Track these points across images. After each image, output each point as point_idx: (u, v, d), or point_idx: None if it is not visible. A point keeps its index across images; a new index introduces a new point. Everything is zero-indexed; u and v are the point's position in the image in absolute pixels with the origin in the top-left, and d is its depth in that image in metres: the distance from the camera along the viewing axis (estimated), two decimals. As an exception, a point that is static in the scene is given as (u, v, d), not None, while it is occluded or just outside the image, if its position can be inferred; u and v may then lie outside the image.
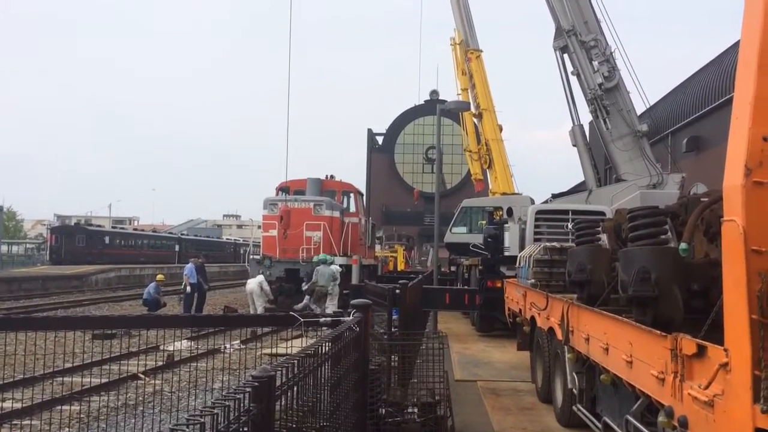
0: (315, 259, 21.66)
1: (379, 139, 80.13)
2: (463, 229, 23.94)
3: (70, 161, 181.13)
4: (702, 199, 6.04)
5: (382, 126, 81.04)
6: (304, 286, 20.97)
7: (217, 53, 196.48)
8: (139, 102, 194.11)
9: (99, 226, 65.05)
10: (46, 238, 66.38)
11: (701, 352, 3.93)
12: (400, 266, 44.02)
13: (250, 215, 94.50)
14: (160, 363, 12.24)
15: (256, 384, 2.14)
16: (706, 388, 3.78)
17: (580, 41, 19.84)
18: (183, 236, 73.16)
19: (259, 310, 20.10)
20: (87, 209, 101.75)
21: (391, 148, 78.00)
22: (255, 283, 20.88)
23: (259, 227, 25.85)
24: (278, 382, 2.47)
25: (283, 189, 25.69)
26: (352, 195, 27.61)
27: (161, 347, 12.70)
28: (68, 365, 11.11)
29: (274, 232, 23.69)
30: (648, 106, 21.34)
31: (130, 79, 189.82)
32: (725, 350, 3.63)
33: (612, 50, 19.82)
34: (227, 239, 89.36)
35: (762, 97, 3.67)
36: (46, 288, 35.53)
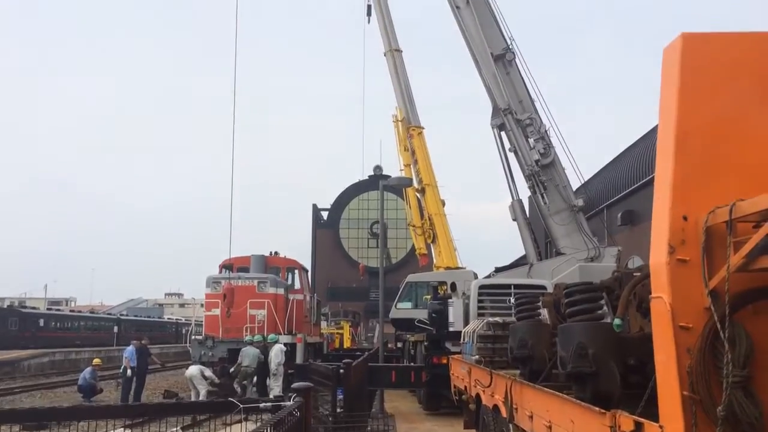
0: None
1: (324, 215, 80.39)
2: (409, 305, 23.90)
3: (3, 238, 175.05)
4: (635, 274, 6.21)
5: (326, 201, 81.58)
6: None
7: (159, 125, 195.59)
8: (78, 174, 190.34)
9: (33, 308, 62.56)
10: (-24, 321, 63.38)
11: (638, 429, 3.96)
12: (347, 343, 43.47)
13: (192, 293, 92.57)
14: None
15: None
16: (645, 465, 3.81)
17: (516, 119, 20.60)
18: (122, 317, 70.93)
19: (202, 394, 19.46)
20: (22, 290, 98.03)
21: (336, 223, 78.26)
22: (196, 369, 20.27)
23: (202, 306, 25.29)
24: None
25: (227, 266, 25.33)
26: (296, 271, 27.38)
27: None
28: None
29: (217, 311, 23.18)
30: (583, 182, 22.12)
31: (68, 150, 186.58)
32: (660, 427, 3.69)
33: (546, 128, 20.61)
34: (169, 319, 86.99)
35: (680, 178, 3.86)
36: (-26, 375, 33.69)
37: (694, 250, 3.72)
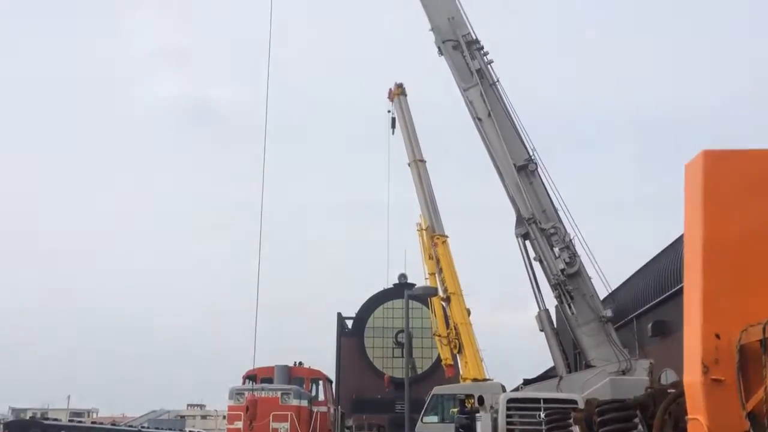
0: None
1: (349, 323, 79.68)
2: (435, 418, 23.20)
3: (28, 350, 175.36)
4: (669, 390, 6.02)
5: (351, 310, 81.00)
6: None
7: (184, 238, 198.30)
8: (100, 289, 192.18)
9: (56, 419, 61.59)
10: (-3, 433, 62.59)
11: None
12: (371, 458, 42.03)
13: (215, 405, 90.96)
14: None
15: None
16: None
17: (540, 229, 20.62)
18: (143, 429, 69.56)
19: None
20: (44, 401, 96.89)
21: (361, 332, 77.35)
22: None
23: (224, 418, 24.81)
24: None
25: (250, 377, 25.04)
26: (321, 382, 26.93)
27: None
28: None
29: (239, 424, 22.69)
30: (610, 291, 21.80)
31: (92, 264, 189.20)
32: None
33: (571, 237, 20.56)
34: (190, 431, 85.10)
35: (710, 294, 3.81)
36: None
37: (729, 369, 3.62)
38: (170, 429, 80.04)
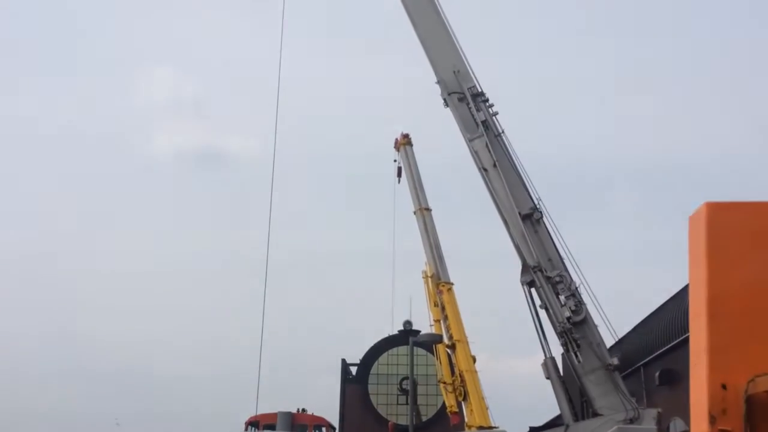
0: None
1: (353, 369, 78.96)
2: (440, 468, 22.89)
3: (25, 392, 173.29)
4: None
5: (355, 356, 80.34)
6: None
7: (185, 284, 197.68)
8: (99, 332, 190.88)
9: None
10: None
11: None
12: None
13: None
14: None
15: None
16: None
17: (546, 277, 20.65)
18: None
19: None
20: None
21: (365, 379, 76.56)
22: None
23: (225, 466, 24.55)
24: None
25: (253, 423, 24.90)
26: (323, 429, 26.74)
27: None
28: None
29: (241, 471, 22.49)
30: (617, 339, 21.69)
31: (88, 307, 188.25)
32: None
33: (577, 285, 20.57)
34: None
35: (715, 345, 3.87)
36: None
37: (736, 419, 3.65)
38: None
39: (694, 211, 4.39)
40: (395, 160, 34.73)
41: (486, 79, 23.99)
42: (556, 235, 21.58)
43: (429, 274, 33.15)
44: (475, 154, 22.72)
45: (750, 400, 3.66)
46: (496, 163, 22.21)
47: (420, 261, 34.57)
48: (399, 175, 34.55)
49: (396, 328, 71.27)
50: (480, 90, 23.33)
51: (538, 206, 21.73)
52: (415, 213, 32.64)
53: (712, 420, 3.67)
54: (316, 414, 27.40)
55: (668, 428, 16.07)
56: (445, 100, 23.56)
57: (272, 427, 24.76)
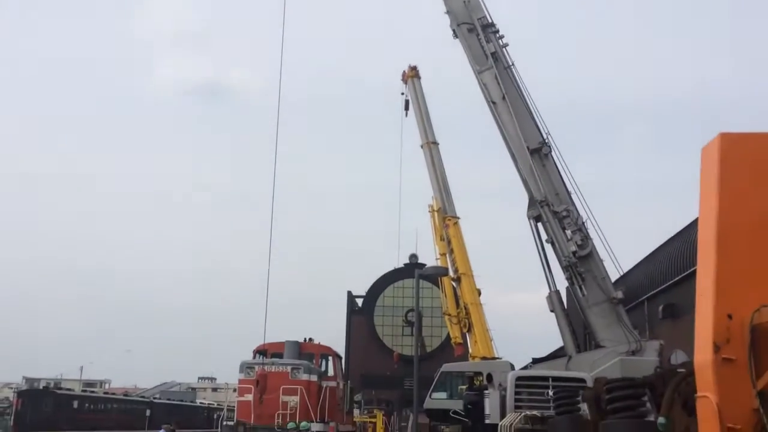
0: (290, 425, 20.97)
1: (359, 302, 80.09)
2: (443, 395, 23.42)
3: (42, 322, 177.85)
4: (678, 371, 6.09)
5: (361, 289, 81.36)
6: None
7: (195, 216, 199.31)
8: (113, 266, 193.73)
9: (68, 389, 62.71)
10: (11, 402, 63.64)
11: None
12: (379, 433, 42.45)
13: (225, 378, 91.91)
14: None
15: None
16: None
17: (553, 211, 20.63)
18: (155, 400, 70.52)
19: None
20: (58, 371, 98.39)
21: (371, 311, 77.75)
22: None
23: (235, 391, 25.14)
24: None
25: (261, 352, 25.30)
26: (330, 358, 27.19)
27: None
28: None
29: (249, 397, 23.01)
30: (622, 274, 21.83)
31: (104, 243, 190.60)
32: None
33: (584, 220, 20.57)
34: (201, 403, 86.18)
35: (722, 276, 3.87)
36: (6, 457, 33.61)
37: (740, 349, 3.69)
38: (182, 400, 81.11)
39: (708, 142, 4.33)
40: (403, 93, 34.28)
41: (497, 11, 23.47)
42: (564, 169, 21.49)
43: (435, 209, 33.21)
44: (484, 87, 22.39)
45: (755, 330, 3.68)
46: (505, 96, 21.91)
47: (426, 195, 34.64)
48: (406, 108, 34.16)
49: (402, 261, 71.90)
50: (490, 21, 22.81)
51: (546, 140, 21.54)
52: (422, 147, 32.44)
53: (716, 349, 3.71)
54: (323, 344, 27.82)
55: (669, 360, 16.31)
56: (454, 31, 23.07)
57: (280, 355, 25.16)
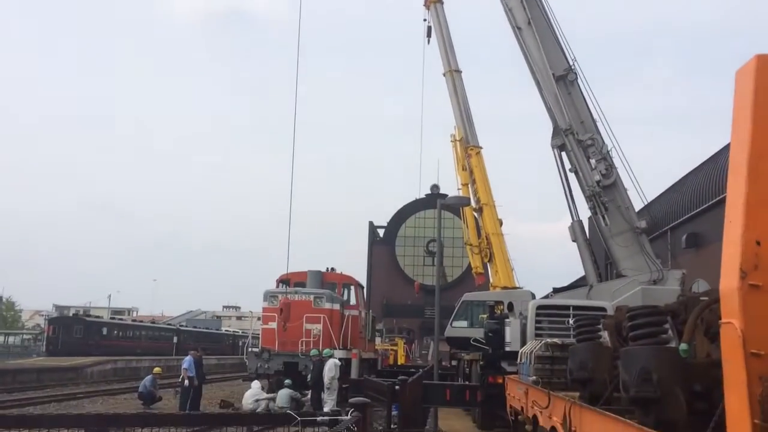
0: (313, 352, 21.46)
1: (381, 232, 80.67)
2: (464, 323, 23.75)
3: (71, 252, 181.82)
4: (702, 298, 6.06)
5: (383, 219, 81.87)
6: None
7: (218, 152, 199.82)
8: (141, 198, 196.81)
9: (97, 316, 64.56)
10: (43, 329, 65.76)
11: (705, 456, 3.87)
12: (401, 360, 43.41)
13: (249, 307, 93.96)
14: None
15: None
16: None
17: (577, 140, 20.32)
18: (181, 327, 72.43)
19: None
20: (86, 300, 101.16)
21: (392, 241, 78.40)
22: (251, 398, 20.38)
23: (259, 319, 25.68)
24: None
25: (284, 281, 25.69)
26: (352, 287, 27.59)
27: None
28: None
29: (273, 325, 23.52)
30: (646, 203, 21.61)
31: (131, 178, 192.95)
32: (729, 456, 3.59)
33: (609, 149, 20.26)
34: (226, 331, 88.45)
35: (753, 202, 3.77)
36: (41, 380, 34.88)
37: (767, 275, 3.63)
38: (207, 328, 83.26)
39: (743, 64, 4.16)
40: (425, 20, 33.47)
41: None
42: (590, 97, 21.04)
43: (458, 138, 32.92)
44: (509, 12, 21.79)
45: (784, 256, 3.61)
46: (531, 21, 21.31)
47: (449, 125, 34.28)
48: (428, 35, 33.40)
49: (423, 192, 72.02)
50: (516, -58, 21.99)
51: (573, 67, 21.03)
52: (444, 75, 31.88)
53: (743, 275, 3.65)
54: (345, 273, 28.16)
55: (691, 289, 16.28)
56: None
57: (302, 284, 25.53)
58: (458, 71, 31.72)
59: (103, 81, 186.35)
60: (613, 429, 5.76)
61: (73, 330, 52.66)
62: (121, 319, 69.96)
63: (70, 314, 69.29)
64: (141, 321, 73.72)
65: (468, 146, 31.27)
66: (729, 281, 3.77)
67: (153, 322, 74.96)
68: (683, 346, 5.28)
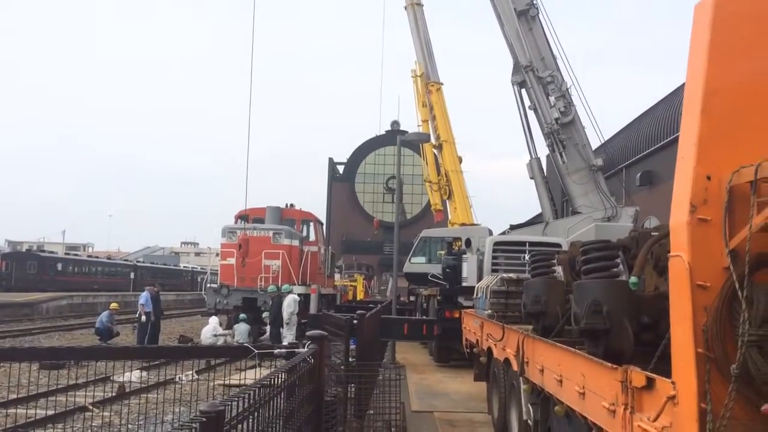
0: (271, 288, 21.52)
1: (340, 169, 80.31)
2: (422, 259, 24.01)
3: (24, 186, 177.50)
4: (652, 234, 6.18)
5: (343, 155, 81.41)
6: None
7: (174, 82, 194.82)
8: (97, 129, 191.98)
9: (52, 252, 63.58)
10: (-5, 264, 64.56)
11: (650, 384, 4.00)
12: (360, 295, 43.90)
13: (208, 243, 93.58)
14: (110, 394, 11.91)
15: (204, 419, 2.12)
16: (655, 420, 3.84)
17: (537, 77, 20.31)
18: (139, 263, 71.88)
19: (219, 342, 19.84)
20: (40, 235, 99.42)
21: (352, 178, 78.20)
22: (209, 333, 20.70)
23: (217, 255, 25.56)
24: (232, 413, 2.45)
25: (242, 217, 25.50)
26: (311, 224, 27.54)
27: (111, 378, 12.36)
28: (13, 396, 10.77)
29: (232, 261, 23.44)
30: (602, 141, 21.88)
31: (87, 105, 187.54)
32: (672, 383, 3.71)
33: (568, 86, 20.32)
34: (184, 267, 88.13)
35: (705, 138, 3.81)
36: (-6, 316, 34.47)
37: (716, 209, 3.69)
38: (165, 264, 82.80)
39: (702, -2, 4.13)
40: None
41: None
42: (551, 33, 20.94)
43: (418, 74, 32.55)
44: (472, -56, 21.35)
45: (732, 191, 3.67)
46: (493, -46, 20.96)
47: (409, 60, 33.86)
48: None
49: (383, 128, 71.59)
50: None
51: (534, 2, 20.84)
52: (406, 8, 31.29)
53: (693, 209, 3.70)
54: (304, 210, 28.05)
55: (644, 225, 16.67)
56: None
57: (261, 220, 25.39)
58: (420, 4, 31.16)
59: None
60: (563, 359, 5.91)
61: (26, 266, 51.85)
62: (76, 255, 69.08)
63: (24, 250, 68.08)
64: (97, 257, 72.87)
65: (429, 82, 31.01)
66: (679, 215, 3.83)
67: (109, 258, 74.21)
68: (633, 279, 5.40)
